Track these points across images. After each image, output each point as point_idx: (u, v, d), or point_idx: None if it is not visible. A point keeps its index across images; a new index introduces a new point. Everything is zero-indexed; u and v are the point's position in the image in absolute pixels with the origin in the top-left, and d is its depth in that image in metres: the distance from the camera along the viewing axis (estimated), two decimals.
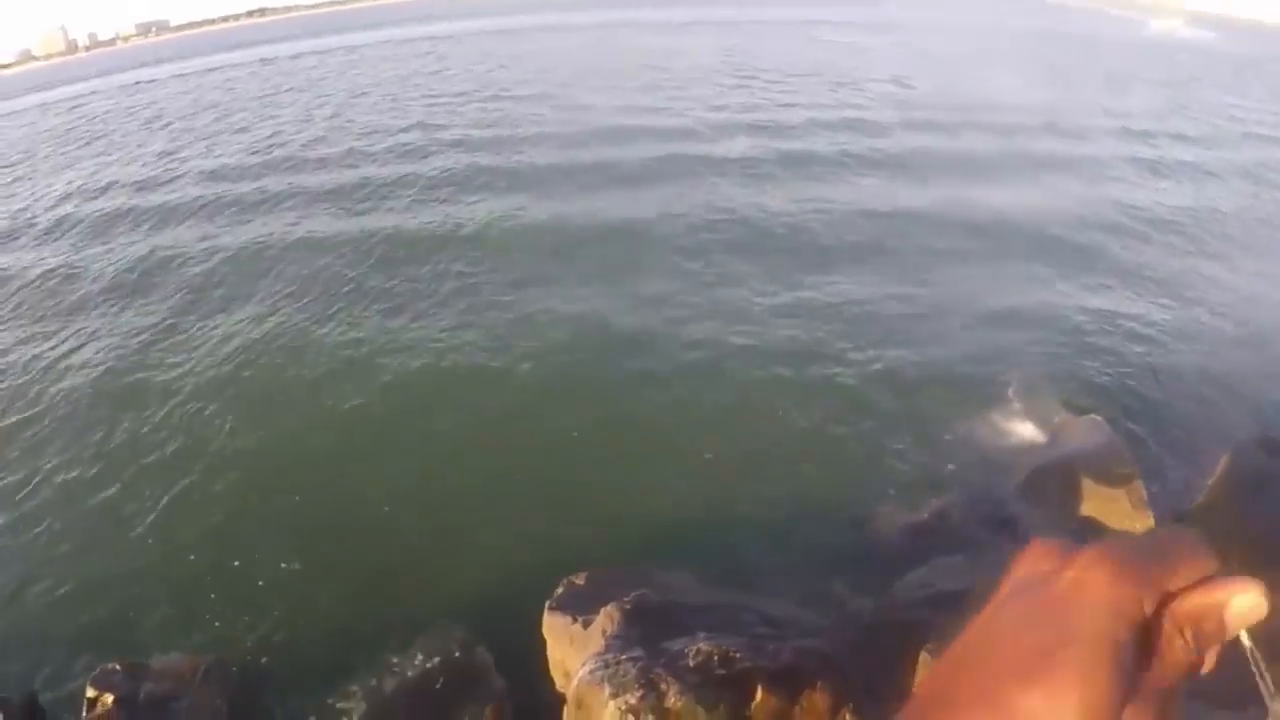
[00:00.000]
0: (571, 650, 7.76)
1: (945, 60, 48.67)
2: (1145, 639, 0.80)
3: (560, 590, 8.38)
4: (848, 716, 7.44)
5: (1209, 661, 0.83)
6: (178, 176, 26.54)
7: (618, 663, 7.03)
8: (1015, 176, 24.72)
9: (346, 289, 16.92)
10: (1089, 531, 9.68)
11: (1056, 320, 15.48)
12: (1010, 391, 12.57)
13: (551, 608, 8.17)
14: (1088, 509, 9.75)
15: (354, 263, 18.15)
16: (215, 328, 15.92)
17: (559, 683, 7.88)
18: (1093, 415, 11.27)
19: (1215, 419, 12.63)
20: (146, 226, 22.14)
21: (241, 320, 16.06)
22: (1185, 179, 25.29)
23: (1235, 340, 15.13)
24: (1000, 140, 28.61)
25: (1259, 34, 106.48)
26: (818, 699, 7.29)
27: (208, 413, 13.26)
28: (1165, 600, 0.81)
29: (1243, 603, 0.82)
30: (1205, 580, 0.83)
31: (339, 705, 8.38)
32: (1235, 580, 0.83)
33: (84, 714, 7.90)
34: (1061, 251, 19.21)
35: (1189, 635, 0.81)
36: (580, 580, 8.51)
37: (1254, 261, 19.30)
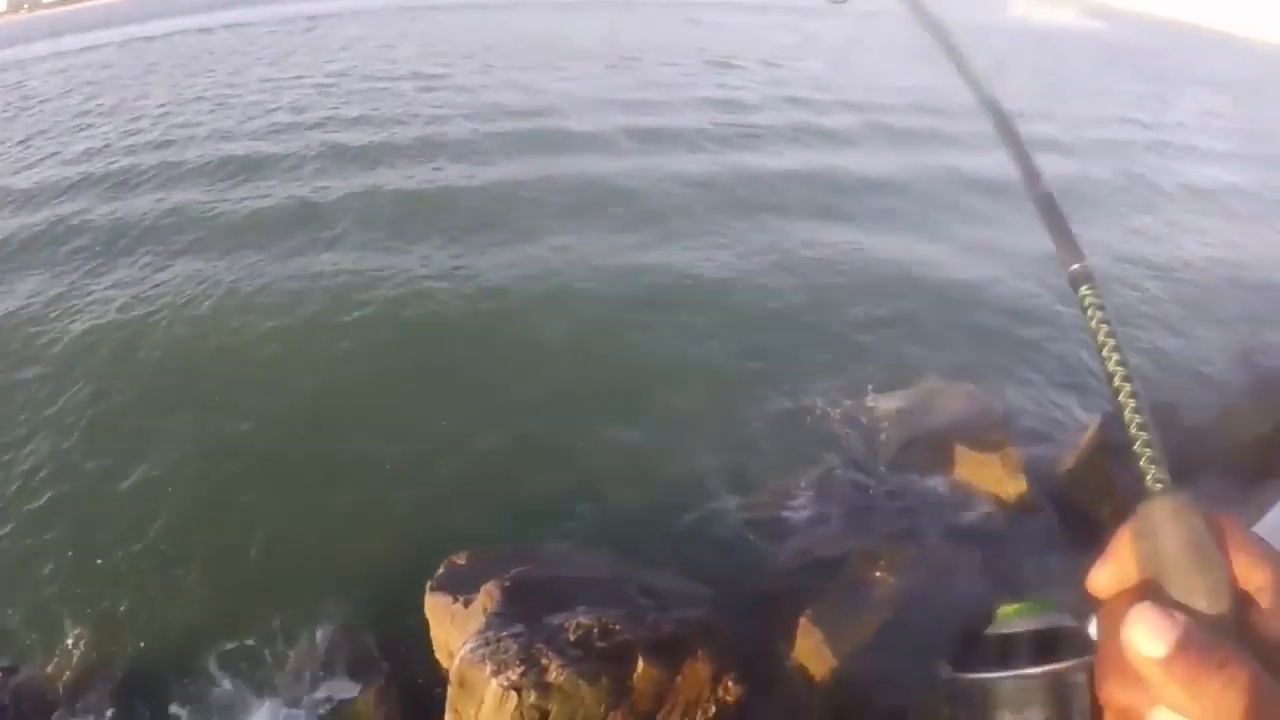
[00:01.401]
0: (454, 629, 7.70)
1: (819, 41, 49.23)
2: None
3: (441, 570, 8.30)
4: (730, 684, 7.53)
5: None
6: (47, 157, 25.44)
7: (498, 640, 7.00)
8: (872, 148, 25.25)
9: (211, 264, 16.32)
10: (966, 493, 9.95)
11: (918, 286, 15.82)
12: (878, 361, 12.80)
13: (433, 588, 8.09)
14: (962, 473, 10.00)
15: (221, 239, 17.52)
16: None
17: (444, 662, 7.81)
18: (964, 383, 11.57)
19: (1080, 387, 13.05)
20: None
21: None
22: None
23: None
24: (863, 117, 29.11)
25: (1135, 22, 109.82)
26: (699, 668, 7.37)
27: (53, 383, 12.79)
28: None
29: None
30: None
31: (224, 703, 8.18)
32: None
33: None
34: (918, 217, 19.66)
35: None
36: (461, 560, 8.44)
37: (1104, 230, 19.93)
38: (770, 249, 17.11)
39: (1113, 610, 0.83)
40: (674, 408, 11.86)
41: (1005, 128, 1.16)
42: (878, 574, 8.37)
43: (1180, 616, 0.77)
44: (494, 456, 10.95)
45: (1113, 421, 10.47)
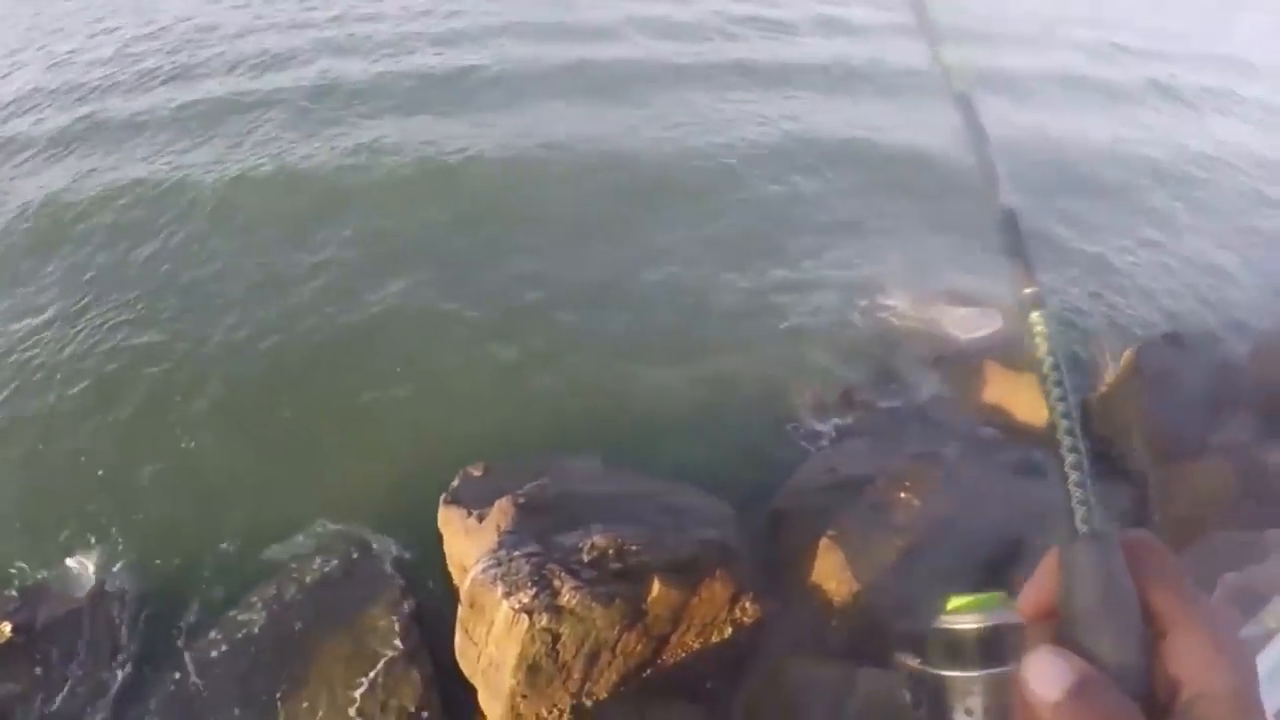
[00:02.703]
0: (468, 544, 7.58)
1: None
2: None
3: (456, 483, 8.15)
4: (747, 605, 7.41)
5: None
6: None
7: (510, 560, 6.87)
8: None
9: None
10: (997, 414, 9.71)
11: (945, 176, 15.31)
12: (906, 280, 12.42)
13: (447, 501, 7.95)
14: (992, 395, 9.75)
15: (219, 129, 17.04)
16: None
17: (457, 576, 7.73)
18: (992, 306, 11.19)
19: (1121, 314, 12.68)
20: None
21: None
22: None
23: (1138, 240, 15.16)
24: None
25: None
26: (717, 589, 7.24)
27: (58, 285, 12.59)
28: None
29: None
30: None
31: (239, 617, 8.06)
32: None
33: None
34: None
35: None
36: (478, 472, 8.29)
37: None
38: (779, 131, 16.62)
39: (1033, 632, 0.88)
40: (692, 316, 11.60)
41: (974, 127, 1.05)
42: (902, 495, 8.16)
43: (1076, 664, 0.82)
44: (511, 366, 10.76)
45: (1151, 350, 10.32)
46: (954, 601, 0.99)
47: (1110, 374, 10.08)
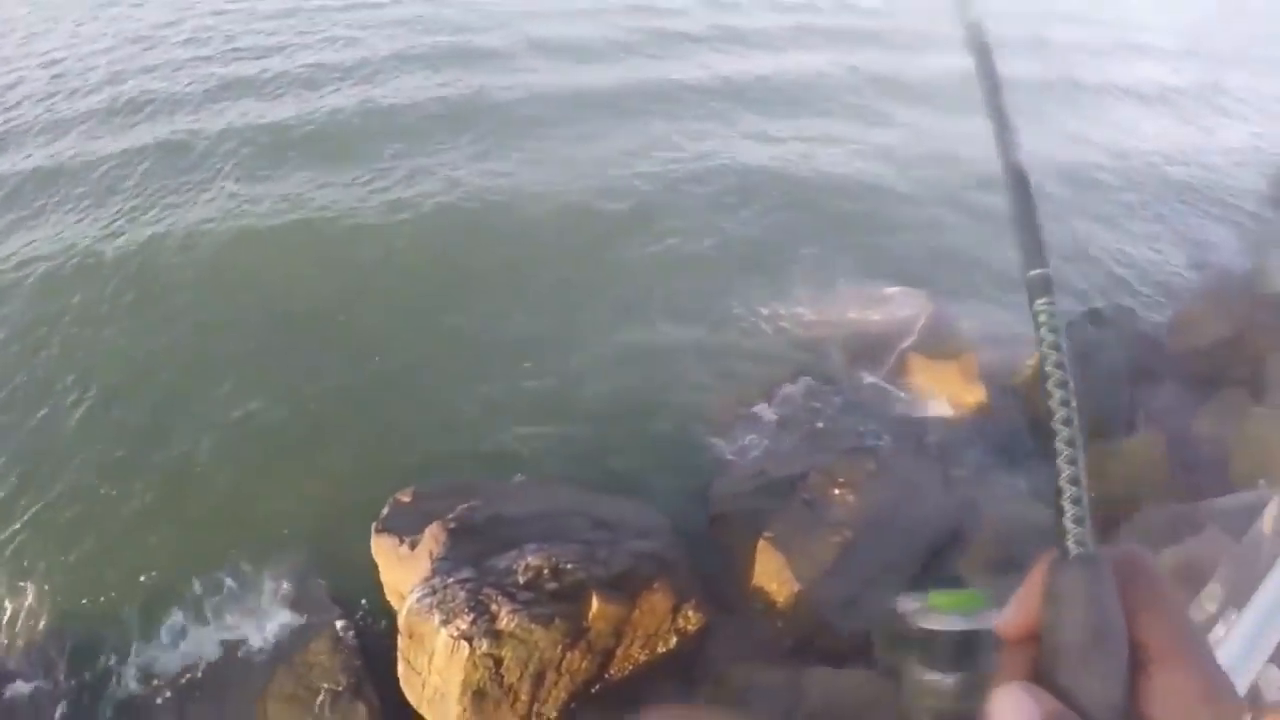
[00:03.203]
0: (402, 572, 7.48)
1: None
2: None
3: (386, 510, 8.02)
4: (689, 614, 7.38)
5: None
6: None
7: (445, 588, 6.78)
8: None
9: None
10: (924, 403, 9.78)
11: (860, 191, 15.46)
12: (825, 268, 12.49)
13: (379, 529, 7.83)
14: (918, 382, 9.82)
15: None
16: None
17: (395, 604, 7.60)
18: (910, 289, 11.30)
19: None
20: None
21: None
22: None
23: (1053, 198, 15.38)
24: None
25: None
26: (657, 600, 7.20)
27: None
28: None
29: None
30: None
31: (179, 660, 7.92)
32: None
33: None
34: (864, 119, 19.23)
35: None
36: (406, 497, 8.17)
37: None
38: (704, 155, 16.63)
39: (1011, 656, 0.82)
40: (614, 329, 11.55)
41: (989, 76, 0.93)
42: (836, 491, 8.18)
43: (1047, 702, 0.76)
44: (435, 392, 10.62)
45: (1073, 327, 10.45)
46: (936, 598, 0.93)
47: (1034, 353, 10.19)
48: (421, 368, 10.95)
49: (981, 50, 0.94)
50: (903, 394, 9.83)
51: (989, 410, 9.55)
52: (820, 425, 9.69)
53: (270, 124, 17.62)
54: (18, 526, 9.25)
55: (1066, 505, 0.81)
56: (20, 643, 8.17)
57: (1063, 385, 0.83)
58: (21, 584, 8.70)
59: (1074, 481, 0.81)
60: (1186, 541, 6.45)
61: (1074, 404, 0.83)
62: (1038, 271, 0.85)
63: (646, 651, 7.27)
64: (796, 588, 7.52)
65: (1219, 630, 3.66)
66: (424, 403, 10.47)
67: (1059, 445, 0.82)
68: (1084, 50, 25.61)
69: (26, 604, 8.50)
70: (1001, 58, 0.92)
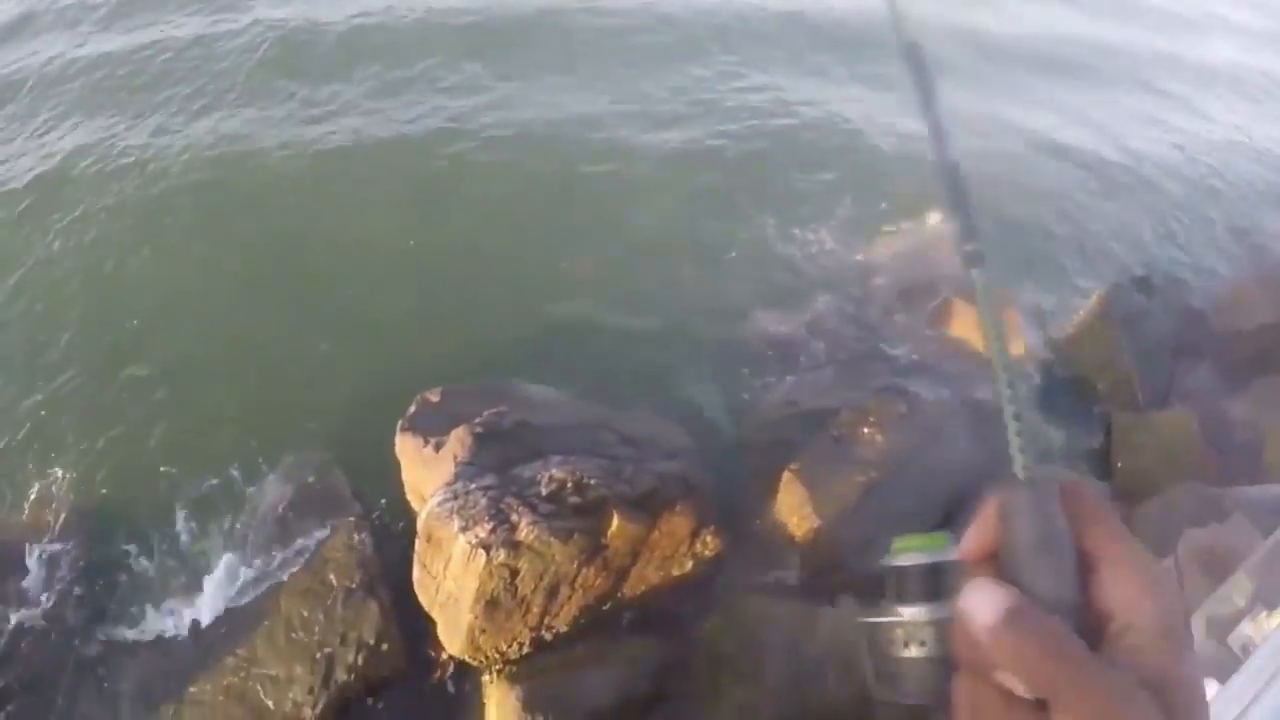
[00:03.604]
0: (425, 473, 7.47)
1: None
2: None
3: (413, 409, 7.96)
4: (708, 539, 7.37)
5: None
6: None
7: (467, 493, 6.77)
8: None
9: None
10: (960, 354, 9.63)
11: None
12: (872, 195, 12.24)
13: (404, 428, 7.78)
14: (959, 330, 9.66)
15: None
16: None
17: (415, 505, 7.61)
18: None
19: (1089, 258, 12.61)
20: None
21: None
22: None
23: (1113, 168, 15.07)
24: None
25: None
26: (677, 523, 7.18)
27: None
28: None
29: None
30: None
31: (196, 550, 8.01)
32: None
33: None
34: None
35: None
36: (435, 397, 8.10)
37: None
38: (752, 89, 16.23)
39: (973, 571, 0.91)
40: (652, 242, 11.34)
41: (922, 77, 1.05)
42: (865, 430, 8.09)
43: (1011, 592, 0.85)
44: (468, 291, 10.49)
45: (1120, 292, 10.28)
46: (900, 542, 1.04)
47: (1079, 315, 10.03)
48: (452, 275, 10.79)
49: (918, 65, 1.05)
50: (941, 338, 9.68)
51: (1027, 363, 9.43)
52: (856, 361, 9.55)
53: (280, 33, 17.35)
54: (22, 428, 9.24)
55: (1012, 437, 0.92)
56: (29, 543, 8.16)
57: (998, 339, 0.96)
58: (32, 481, 8.68)
59: (1016, 416, 0.93)
60: (1211, 526, 6.41)
61: (1009, 353, 0.97)
62: (970, 247, 0.98)
63: (661, 573, 7.28)
64: (816, 523, 7.48)
65: (1246, 627, 3.58)
66: (456, 308, 10.34)
67: (1000, 386, 0.94)
68: (1164, 24, 24.87)
69: (35, 498, 8.52)
70: (936, 70, 1.02)
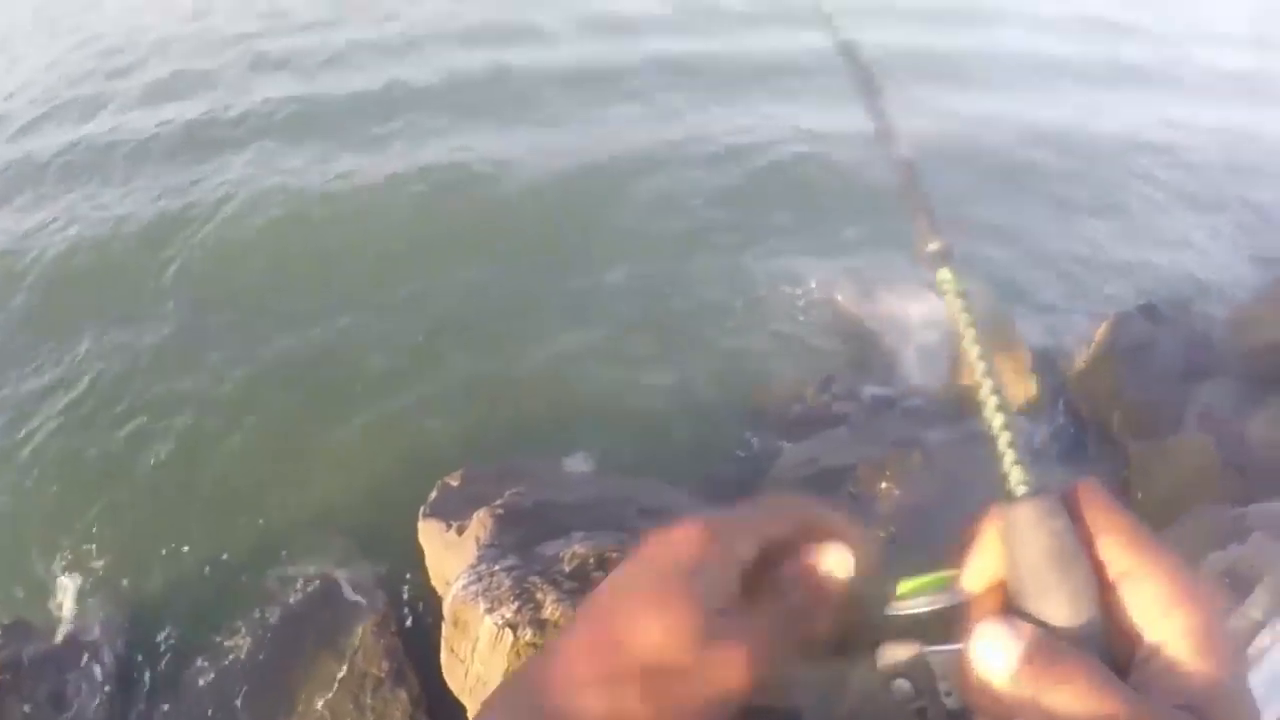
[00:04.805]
0: (449, 557, 7.55)
1: None
2: (750, 586, 0.98)
3: (434, 494, 8.11)
4: None
5: (820, 616, 1.02)
6: None
7: (491, 574, 6.81)
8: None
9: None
10: (974, 399, 9.63)
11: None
12: (875, 244, 12.35)
13: (426, 514, 7.91)
14: (970, 378, 9.67)
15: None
16: None
17: (440, 590, 7.66)
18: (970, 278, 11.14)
19: (1093, 288, 12.66)
20: None
21: None
22: None
23: (1098, 209, 15.16)
24: None
25: None
26: None
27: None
28: (774, 559, 1.01)
29: (831, 560, 1.02)
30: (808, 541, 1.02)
31: (223, 642, 8.02)
32: (824, 544, 1.03)
33: None
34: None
35: (793, 589, 1.01)
36: (455, 481, 8.24)
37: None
38: (736, 131, 16.45)
39: (979, 605, 0.87)
40: (658, 316, 11.48)
41: (862, 74, 1.02)
42: (883, 485, 8.14)
43: (1026, 628, 0.79)
44: (479, 371, 10.62)
45: (1126, 322, 10.30)
46: (904, 585, 1.02)
47: (1086, 348, 10.07)
48: (465, 351, 10.95)
49: (856, 63, 1.02)
50: (953, 387, 9.71)
51: (1039, 406, 9.44)
52: (870, 414, 9.60)
53: (283, 100, 17.83)
54: (39, 518, 9.43)
55: (1004, 450, 0.86)
56: (55, 626, 8.31)
57: (977, 343, 0.90)
58: (74, 571, 8.84)
59: (1006, 428, 0.86)
60: (1230, 548, 6.34)
61: (992, 359, 0.90)
62: (935, 246, 0.92)
63: None
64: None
65: (1264, 638, 3.60)
66: (469, 387, 10.46)
67: (984, 397, 0.89)
68: (1149, 38, 25.09)
69: (78, 590, 8.65)
70: (876, 69, 1.00)
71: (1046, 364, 10.08)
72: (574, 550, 6.97)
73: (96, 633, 8.24)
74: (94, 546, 9.05)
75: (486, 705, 0.98)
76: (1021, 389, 9.37)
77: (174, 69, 20.32)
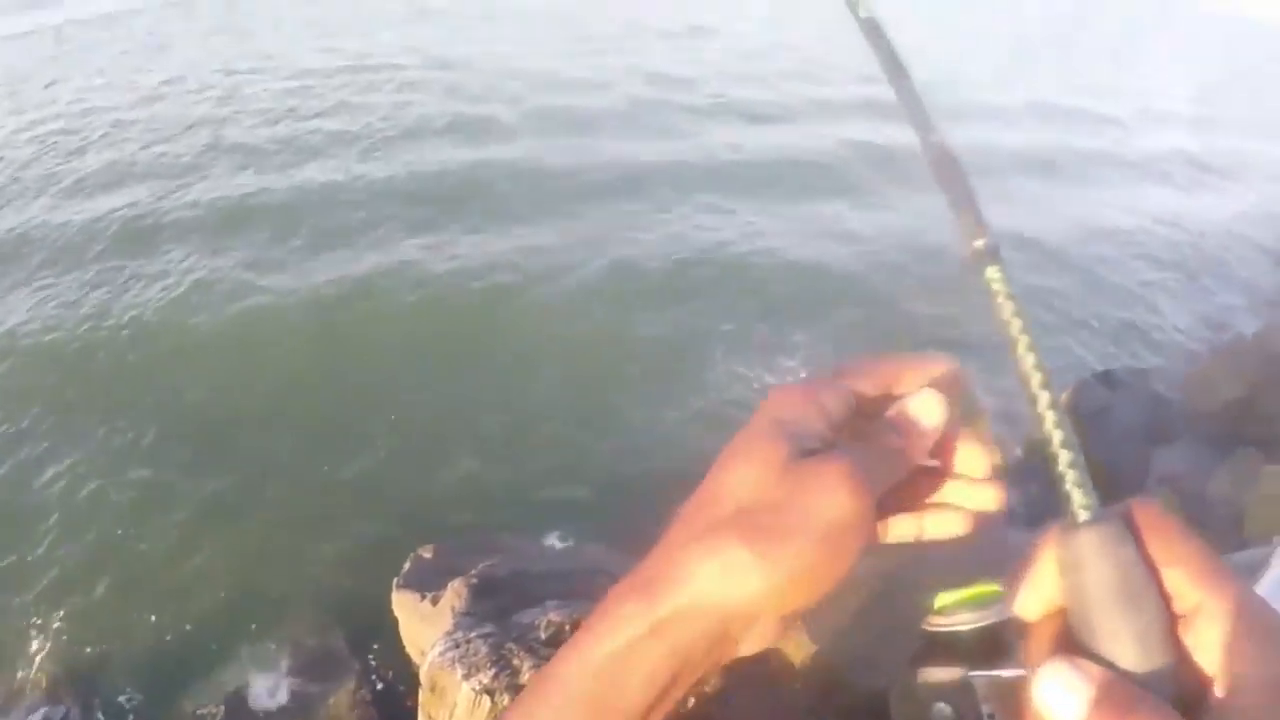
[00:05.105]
0: (423, 627, 7.54)
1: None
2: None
3: (407, 566, 8.14)
4: (709, 674, 7.39)
5: (914, 458, 0.98)
6: None
7: (468, 641, 6.83)
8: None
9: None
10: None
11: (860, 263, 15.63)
12: (837, 338, 12.63)
13: (399, 585, 7.92)
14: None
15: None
16: None
17: (415, 660, 7.67)
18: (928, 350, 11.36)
19: (1050, 357, 12.91)
20: None
21: None
22: None
23: (1064, 268, 15.53)
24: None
25: None
26: None
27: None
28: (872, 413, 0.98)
29: (921, 405, 0.99)
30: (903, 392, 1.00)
31: (200, 712, 8.01)
32: (916, 392, 1.00)
33: None
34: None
35: (886, 433, 0.97)
36: (427, 554, 8.27)
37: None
38: (706, 229, 16.77)
39: (1037, 636, 0.79)
40: (638, 399, 11.65)
41: (887, 56, 0.91)
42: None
43: (1095, 671, 0.70)
44: (453, 446, 10.76)
45: (1085, 390, 10.54)
46: (944, 597, 0.97)
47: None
48: (439, 432, 11.08)
49: (882, 44, 0.91)
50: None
51: (1005, 471, 9.60)
52: None
53: (255, 200, 17.90)
54: (27, 590, 9.31)
55: (1065, 470, 0.77)
56: (26, 704, 8.18)
57: (1033, 350, 0.80)
58: (28, 645, 8.74)
59: (1067, 445, 0.78)
60: None
61: (1046, 367, 0.80)
62: (981, 242, 0.82)
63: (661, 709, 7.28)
64: (813, 649, 7.52)
65: None
66: (443, 464, 10.56)
67: (1042, 411, 0.79)
68: (1097, 120, 25.86)
69: (34, 663, 8.54)
70: (901, 48, 0.91)
71: (1014, 430, 10.27)
72: (549, 618, 7.01)
73: (51, 698, 8.19)
74: (52, 612, 9.00)
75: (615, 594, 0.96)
76: (988, 456, 9.53)
77: (123, 155, 20.39)
